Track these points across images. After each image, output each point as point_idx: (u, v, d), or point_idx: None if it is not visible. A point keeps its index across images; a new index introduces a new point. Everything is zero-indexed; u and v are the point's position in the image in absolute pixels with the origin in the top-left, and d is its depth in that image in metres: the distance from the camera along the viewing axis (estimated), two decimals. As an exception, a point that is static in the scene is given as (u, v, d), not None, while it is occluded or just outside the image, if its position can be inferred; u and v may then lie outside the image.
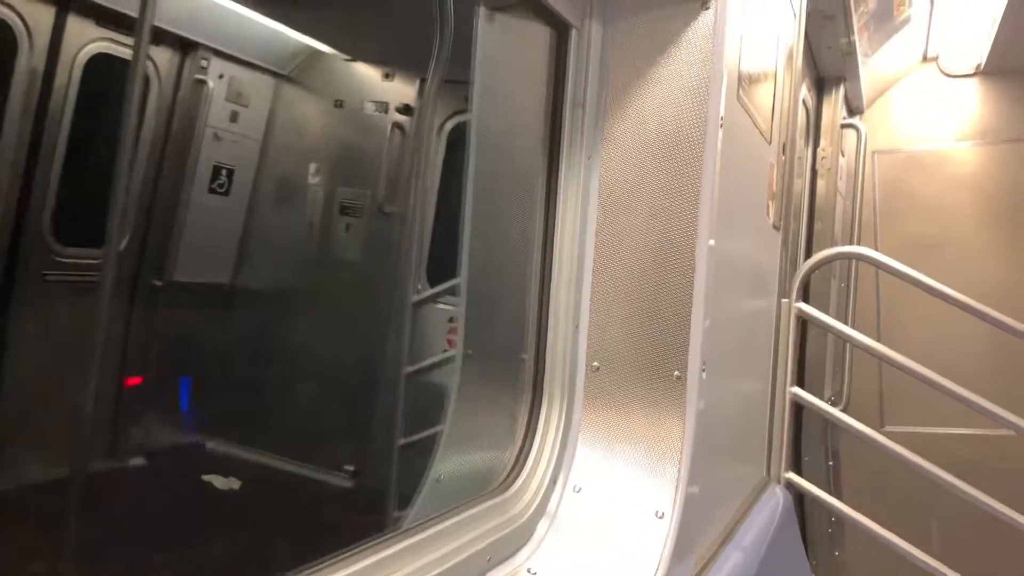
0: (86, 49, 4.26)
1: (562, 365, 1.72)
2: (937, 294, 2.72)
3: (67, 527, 2.59)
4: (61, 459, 3.58)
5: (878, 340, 4.42)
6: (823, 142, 4.62)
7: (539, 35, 1.72)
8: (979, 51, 5.00)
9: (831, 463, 4.76)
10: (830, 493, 3.01)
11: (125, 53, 4.28)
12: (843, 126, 4.78)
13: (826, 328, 3.00)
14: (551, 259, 1.71)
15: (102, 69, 4.31)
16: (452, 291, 4.13)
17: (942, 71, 5.27)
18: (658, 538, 1.55)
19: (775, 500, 2.59)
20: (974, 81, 5.21)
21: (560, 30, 1.68)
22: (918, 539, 2.81)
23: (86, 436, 3.18)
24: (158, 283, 4.79)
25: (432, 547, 1.35)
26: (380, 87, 5.37)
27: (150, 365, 4.69)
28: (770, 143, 2.41)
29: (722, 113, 1.70)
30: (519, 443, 1.69)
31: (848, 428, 2.75)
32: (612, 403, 1.70)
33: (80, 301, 4.18)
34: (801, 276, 2.79)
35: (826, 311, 4.39)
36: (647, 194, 1.68)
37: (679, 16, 1.65)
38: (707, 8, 1.64)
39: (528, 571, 1.51)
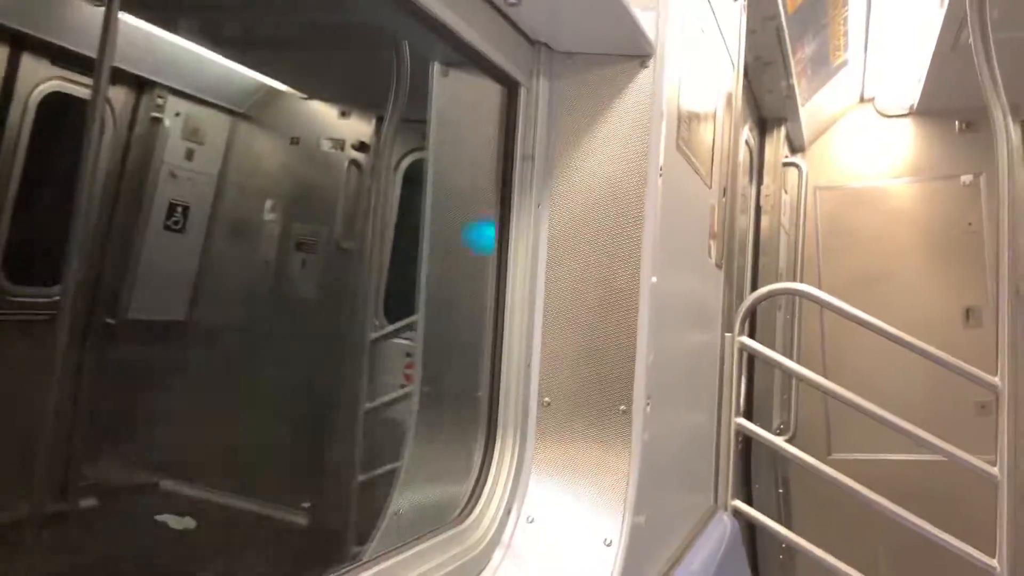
0: (40, 88, 4.28)
1: (515, 401, 1.80)
2: (870, 327, 2.88)
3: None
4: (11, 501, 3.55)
5: (823, 370, 4.61)
6: (766, 180, 4.82)
7: (491, 90, 1.83)
8: (911, 93, 5.27)
9: (781, 491, 4.89)
10: (780, 520, 3.13)
11: (81, 92, 4.31)
12: (785, 164, 4.98)
13: (767, 361, 3.14)
14: (504, 300, 1.81)
15: (57, 107, 4.33)
16: (410, 327, 4.19)
17: (878, 111, 5.53)
18: (606, 565, 1.63)
19: (722, 527, 2.69)
20: (908, 121, 5.47)
21: (510, 87, 1.80)
22: (866, 563, 2.93)
23: (39, 477, 3.16)
24: (111, 321, 4.77)
25: (392, 577, 1.42)
26: (336, 124, 5.45)
27: (104, 402, 4.65)
28: (710, 187, 2.54)
29: (661, 163, 1.82)
30: (474, 476, 1.77)
31: (791, 457, 2.88)
32: (563, 437, 1.79)
33: (33, 340, 4.16)
34: (743, 311, 2.93)
35: (772, 343, 4.56)
36: (593, 239, 1.79)
37: (620, 74, 1.78)
38: (646, 67, 1.77)
39: None
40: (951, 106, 5.18)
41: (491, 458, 1.78)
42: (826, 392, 2.88)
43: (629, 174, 1.77)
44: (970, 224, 5.19)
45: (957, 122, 5.28)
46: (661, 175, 1.79)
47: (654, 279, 1.78)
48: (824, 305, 2.93)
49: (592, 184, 1.79)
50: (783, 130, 4.91)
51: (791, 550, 4.55)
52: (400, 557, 1.47)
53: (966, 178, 5.25)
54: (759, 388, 4.59)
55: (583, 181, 1.80)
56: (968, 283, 5.13)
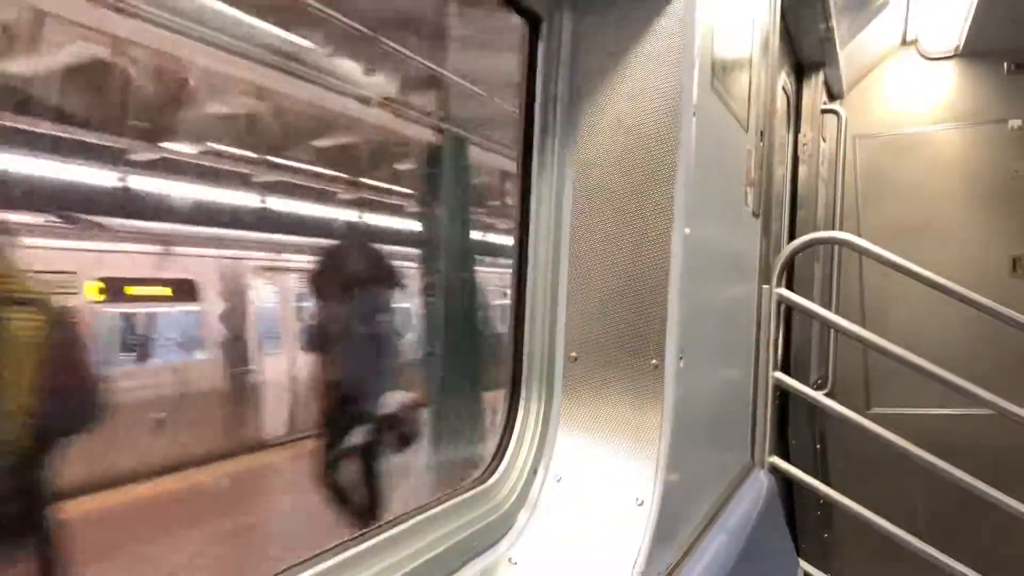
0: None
1: (541, 356, 1.73)
2: (914, 276, 2.76)
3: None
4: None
5: (863, 323, 4.47)
6: (804, 128, 4.64)
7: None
8: (956, 33, 5.03)
9: (818, 446, 4.80)
10: (818, 477, 3.04)
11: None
12: (823, 111, 4.80)
13: (807, 313, 3.03)
14: (527, 251, 1.72)
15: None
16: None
17: (921, 54, 5.29)
18: (639, 525, 1.56)
19: (759, 484, 2.62)
20: (952, 63, 5.23)
21: (531, 21, 1.69)
22: (904, 519, 2.85)
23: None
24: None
25: (414, 537, 1.36)
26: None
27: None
28: (747, 130, 2.42)
29: (695, 102, 1.71)
30: (499, 434, 1.71)
31: (831, 411, 2.79)
32: (591, 393, 1.71)
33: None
34: (781, 262, 2.82)
35: (810, 296, 4.42)
36: (622, 185, 1.69)
37: (650, 6, 1.66)
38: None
39: (510, 560, 1.53)
40: (999, 47, 4.94)
41: (516, 415, 1.71)
42: (869, 345, 2.77)
43: (660, 115, 1.66)
44: (1017, 171, 4.98)
45: (1005, 63, 5.03)
46: (695, 116, 1.68)
47: (687, 230, 1.68)
48: (867, 254, 2.81)
49: (620, 127, 1.69)
50: (821, 75, 4.72)
51: (829, 507, 4.49)
52: (423, 516, 1.41)
53: (1014, 123, 5.02)
54: (796, 342, 4.47)
55: (610, 124, 1.70)
56: (1015, 232, 4.94)
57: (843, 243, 3.06)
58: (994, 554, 3.01)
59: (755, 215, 2.67)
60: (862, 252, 2.84)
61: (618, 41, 1.70)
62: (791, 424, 4.55)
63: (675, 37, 1.68)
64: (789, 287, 2.91)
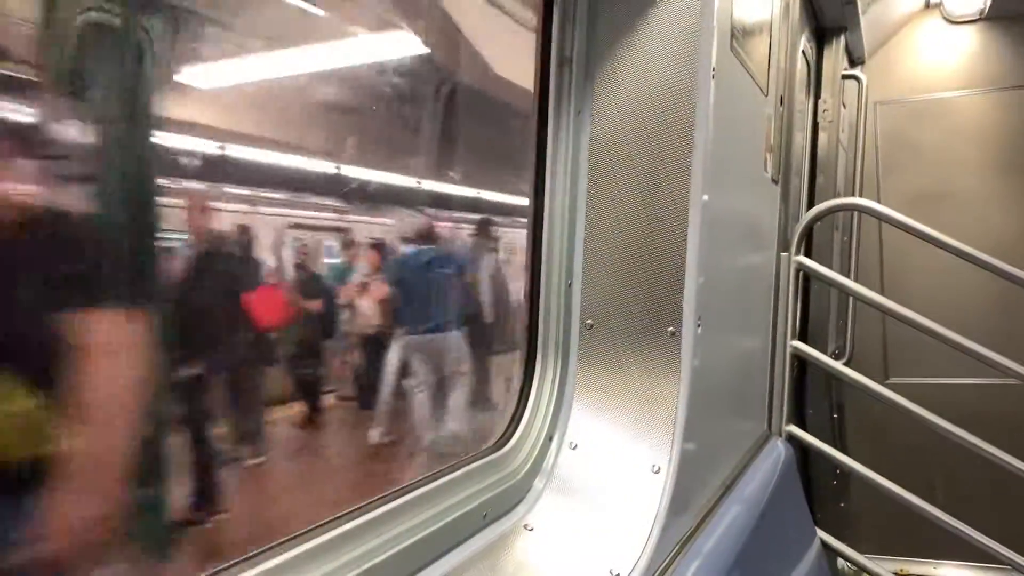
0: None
1: (556, 323, 1.71)
2: (938, 243, 2.71)
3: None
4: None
5: (882, 292, 4.42)
6: (824, 94, 4.55)
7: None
8: (982, -5, 4.92)
9: (835, 416, 4.77)
10: (834, 447, 3.03)
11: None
12: (844, 77, 4.70)
13: (826, 281, 2.99)
14: (542, 216, 1.70)
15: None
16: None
17: (945, 17, 5.18)
18: (654, 493, 1.55)
19: (776, 453, 2.60)
20: (977, 27, 5.11)
21: (546, -20, 1.65)
22: (922, 490, 2.82)
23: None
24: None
25: (429, 504, 1.35)
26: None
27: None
28: (767, 95, 2.37)
29: (714, 64, 1.67)
30: (515, 401, 1.69)
31: (850, 380, 2.76)
32: (606, 360, 1.70)
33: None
34: (801, 229, 2.77)
35: (829, 264, 4.37)
36: (639, 149, 1.66)
37: (667, -35, 1.62)
38: (696, -44, 1.60)
39: (525, 527, 1.52)
40: (1026, 9, 4.84)
41: (531, 383, 1.70)
42: (890, 314, 2.72)
43: (678, 77, 1.62)
44: (1042, 138, 4.89)
45: (1033, 26, 4.92)
46: (714, 77, 1.64)
47: (706, 197, 1.65)
48: (890, 221, 2.75)
49: (637, 89, 1.65)
50: (842, 40, 4.61)
51: (845, 477, 4.47)
52: (438, 483, 1.41)
53: (1041, 87, 4.92)
54: (814, 311, 4.43)
55: (627, 85, 1.66)
56: (1040, 200, 4.86)
57: (865, 210, 3.01)
58: (1014, 526, 2.98)
59: (774, 181, 2.63)
60: (884, 219, 2.79)
61: (635, 1, 1.65)
62: (807, 394, 4.53)
63: (694, -2, 1.63)
64: (807, 255, 2.87)
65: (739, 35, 1.94)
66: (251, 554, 1.09)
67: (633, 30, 1.66)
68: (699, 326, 1.67)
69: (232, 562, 1.07)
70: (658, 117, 1.65)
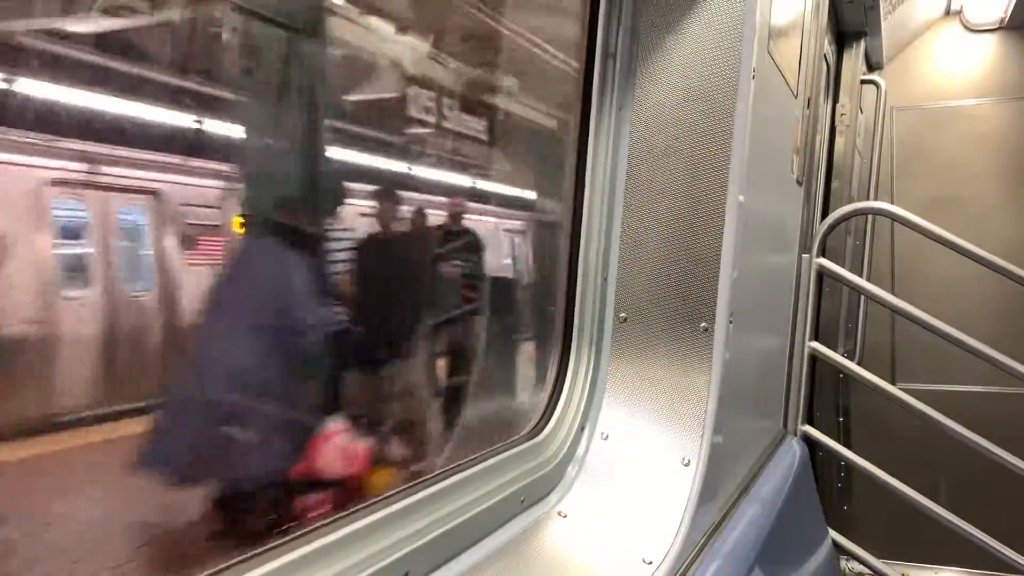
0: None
1: (591, 316, 1.73)
2: (959, 249, 2.73)
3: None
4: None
5: (894, 296, 4.44)
6: (843, 98, 4.57)
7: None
8: (1003, 4, 4.92)
9: (842, 419, 4.80)
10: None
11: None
12: (863, 82, 4.72)
13: (846, 284, 3.01)
14: (581, 209, 1.72)
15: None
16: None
17: (965, 25, 5.19)
18: (684, 485, 1.58)
19: (792, 452, 2.63)
20: (996, 36, 5.13)
21: (593, -22, 1.67)
22: (928, 495, 2.85)
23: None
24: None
25: (468, 489, 1.38)
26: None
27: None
28: (796, 97, 2.40)
29: (754, 65, 1.69)
30: (548, 391, 1.72)
31: (865, 382, 2.78)
32: (639, 354, 1.72)
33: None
34: (823, 231, 2.80)
35: (841, 267, 4.39)
36: (677, 146, 1.68)
37: (713, -35, 1.64)
38: (741, -42, 1.62)
39: (559, 514, 1.55)
40: (1046, 19, 4.85)
41: (565, 373, 1.72)
42: (911, 318, 2.75)
43: (718, 77, 1.64)
44: (1058, 148, 4.90)
45: (1051, 37, 4.94)
46: (754, 78, 1.67)
47: (742, 198, 1.67)
48: (912, 226, 2.78)
49: (677, 86, 1.68)
50: (862, 45, 4.63)
51: (849, 479, 4.51)
52: (476, 469, 1.43)
53: (1057, 98, 4.93)
54: (825, 313, 4.45)
55: (668, 83, 1.68)
56: (1054, 210, 4.87)
57: (887, 214, 3.03)
58: (1019, 530, 3.01)
59: (799, 183, 2.65)
60: (907, 224, 2.81)
61: (678, 0, 1.67)
62: (816, 395, 4.56)
63: (736, 1, 1.65)
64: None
65: (775, 37, 1.96)
66: (303, 531, 1.12)
67: (675, 28, 1.68)
68: (731, 323, 1.69)
69: (284, 540, 1.09)
70: (697, 115, 1.67)
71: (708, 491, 1.63)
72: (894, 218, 2.95)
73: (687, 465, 1.60)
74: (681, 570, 1.49)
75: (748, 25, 1.65)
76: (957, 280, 4.61)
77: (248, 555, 1.05)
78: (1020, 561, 2.74)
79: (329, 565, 1.07)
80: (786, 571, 2.16)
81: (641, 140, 1.71)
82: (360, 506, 1.22)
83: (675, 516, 1.53)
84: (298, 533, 1.12)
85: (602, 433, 1.69)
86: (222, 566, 1.02)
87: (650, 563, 1.44)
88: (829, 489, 4.43)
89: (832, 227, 2.83)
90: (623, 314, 1.73)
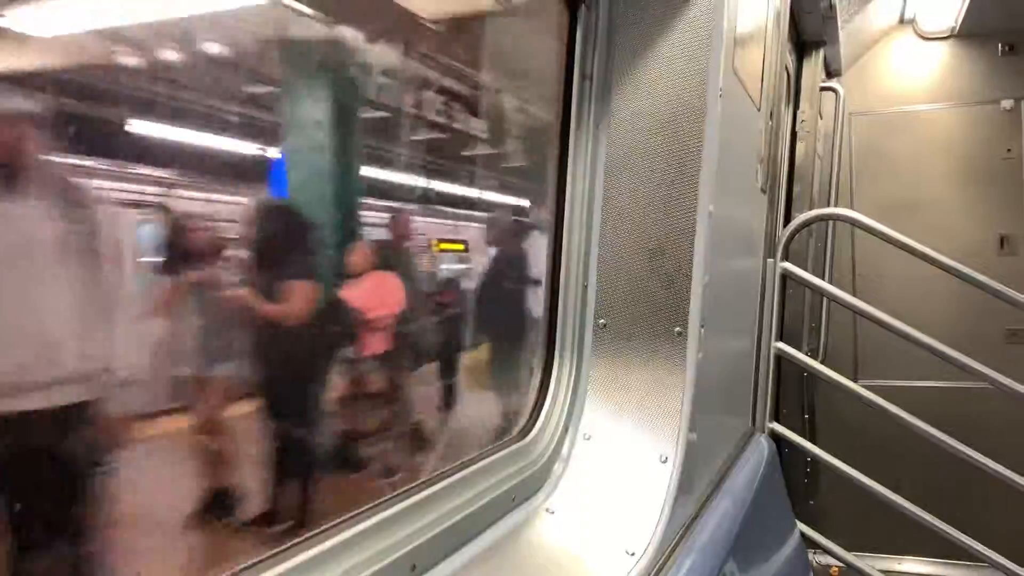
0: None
1: (572, 322, 1.83)
2: (915, 253, 2.87)
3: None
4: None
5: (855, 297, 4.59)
6: (803, 105, 4.72)
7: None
8: (954, 13, 5.12)
9: (807, 416, 4.95)
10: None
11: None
12: (822, 89, 4.88)
13: (810, 286, 3.14)
14: (562, 222, 1.82)
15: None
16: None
17: (918, 33, 5.38)
18: (663, 481, 1.68)
19: (761, 449, 2.75)
20: (948, 43, 5.32)
21: (570, 6, 1.77)
22: (889, 487, 2.99)
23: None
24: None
25: (464, 488, 1.47)
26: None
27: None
28: (759, 109, 2.52)
29: (720, 85, 1.80)
30: (534, 394, 1.81)
31: (829, 380, 2.91)
32: (618, 357, 1.82)
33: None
34: (787, 236, 2.92)
35: (804, 270, 4.54)
36: (651, 161, 1.78)
37: (682, -8, 1.74)
38: (709, -17, 1.73)
39: (547, 510, 1.64)
40: (994, 27, 5.05)
41: (550, 377, 1.82)
42: (874, 320, 2.88)
43: (688, 95, 1.75)
44: (1009, 151, 5.11)
45: (1000, 44, 5.14)
46: (721, 97, 1.77)
47: (711, 208, 1.78)
48: (870, 231, 2.92)
49: (651, 105, 1.78)
50: (821, 53, 4.79)
51: (815, 475, 4.65)
52: (467, 471, 1.52)
53: (1007, 103, 5.13)
54: (788, 314, 4.60)
55: (642, 102, 1.79)
56: (1004, 211, 5.07)
57: (848, 220, 3.17)
58: (975, 520, 3.16)
59: (763, 191, 2.77)
60: (865, 229, 2.95)
61: (650, 23, 1.78)
62: (783, 394, 4.70)
63: (703, 19, 1.76)
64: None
65: (739, 53, 2.07)
66: (293, 543, 1.19)
67: (647, 50, 1.79)
68: (703, 327, 1.80)
69: (276, 551, 1.16)
70: (670, 134, 1.77)
71: (685, 486, 1.73)
72: (854, 223, 3.09)
73: (665, 462, 1.70)
74: (662, 560, 1.58)
75: (715, 47, 1.76)
76: (915, 281, 4.79)
77: (261, 557, 1.12)
78: (977, 548, 2.88)
79: (339, 563, 1.14)
80: (758, 562, 2.28)
81: (617, 155, 1.81)
82: (367, 507, 1.30)
83: (655, 510, 1.63)
84: (308, 535, 1.19)
85: (585, 434, 1.78)
86: (237, 568, 1.09)
87: (632, 554, 1.54)
88: (796, 484, 4.57)
89: (795, 232, 2.96)
90: (602, 320, 1.83)
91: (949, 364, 2.92)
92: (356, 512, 1.27)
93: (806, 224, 3.01)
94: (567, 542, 1.56)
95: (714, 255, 1.88)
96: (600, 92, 1.81)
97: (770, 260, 2.91)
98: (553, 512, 1.64)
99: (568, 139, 1.80)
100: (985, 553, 2.86)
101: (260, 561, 1.11)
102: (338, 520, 1.24)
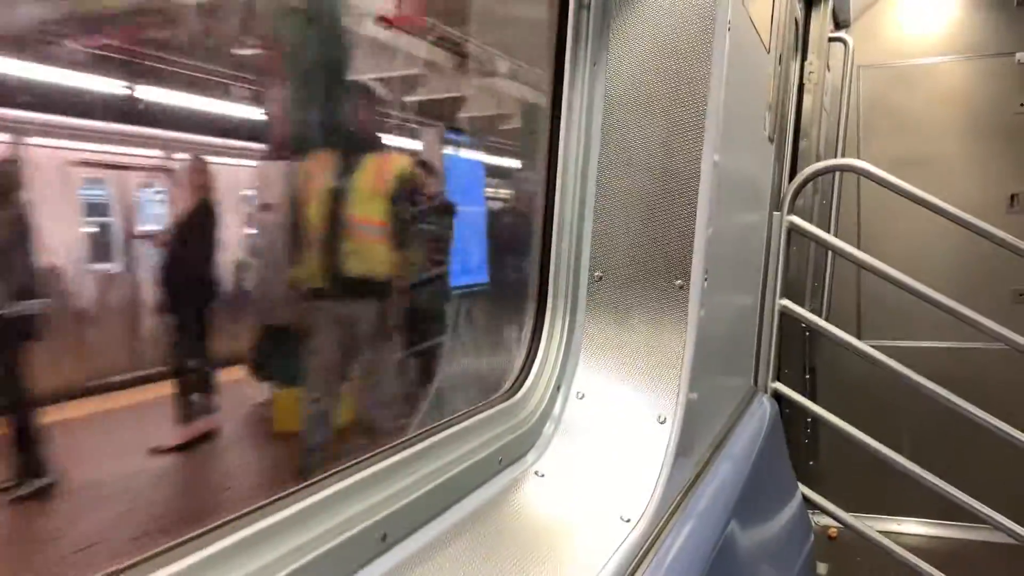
0: None
1: (566, 275, 1.72)
2: (930, 206, 2.75)
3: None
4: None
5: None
6: (811, 56, 4.56)
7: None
8: (968, -38, 4.93)
9: (808, 376, 4.87)
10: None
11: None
12: (831, 39, 4.71)
13: (818, 241, 3.03)
14: (556, 167, 1.69)
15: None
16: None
17: (930, -18, 5.20)
18: (660, 442, 1.58)
19: (763, 409, 2.65)
20: (962, -7, 5.14)
21: (566, -74, 1.63)
22: (892, 448, 2.91)
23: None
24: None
25: (446, 450, 1.36)
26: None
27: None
28: (768, 52, 2.38)
29: (729, 18, 1.66)
30: (524, 351, 1.71)
31: (836, 339, 2.81)
32: (614, 312, 1.71)
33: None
34: (795, 187, 2.80)
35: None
36: (653, 103, 1.65)
37: (689, -87, 1.60)
38: (717, -94, 1.59)
39: (536, 473, 1.54)
40: (1012, -23, 4.87)
41: (540, 332, 1.71)
42: (880, 275, 2.78)
43: (694, 28, 1.61)
44: (1022, 105, 4.95)
45: (1016, -6, 4.96)
46: (729, 31, 1.64)
47: (717, 157, 1.65)
48: (882, 183, 2.79)
49: (652, 40, 1.64)
50: (830, 3, 4.61)
51: (816, 436, 4.59)
52: (452, 430, 1.42)
53: (1021, 56, 4.96)
54: (791, 271, 4.49)
55: (643, 36, 1.65)
56: (1016, 168, 4.93)
57: (860, 171, 3.04)
58: (981, 484, 3.08)
59: (771, 140, 2.64)
60: (878, 181, 2.82)
61: None
62: (783, 353, 4.61)
63: (712, -53, 1.62)
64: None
65: None
66: (271, 499, 1.09)
67: (651, -21, 1.65)
68: (706, 280, 1.68)
69: (250, 508, 1.07)
70: (673, 71, 1.64)
71: (684, 448, 1.63)
72: (866, 175, 2.96)
73: (663, 423, 1.60)
74: (659, 527, 1.49)
75: None
76: (922, 240, 4.67)
77: (222, 521, 1.02)
78: (981, 509, 2.81)
79: (305, 530, 1.04)
80: (760, 526, 2.19)
81: (616, 95, 1.68)
82: (334, 470, 1.20)
83: (652, 474, 1.53)
84: (272, 498, 1.09)
85: (578, 392, 1.68)
86: (195, 533, 0.99)
87: (628, 520, 1.44)
88: (796, 445, 4.51)
89: (802, 185, 2.84)
90: (598, 272, 1.72)
91: (953, 325, 2.82)
92: (321, 477, 1.17)
93: (817, 175, 2.89)
94: (558, 507, 1.47)
95: (718, 205, 1.76)
96: (598, 25, 1.67)
97: (776, 213, 2.79)
98: (543, 475, 1.54)
99: (562, 77, 1.67)
100: (987, 513, 2.79)
101: (218, 526, 1.02)
102: (304, 484, 1.14)
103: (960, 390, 2.88)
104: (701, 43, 1.62)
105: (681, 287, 1.65)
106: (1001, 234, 2.76)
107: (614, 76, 1.68)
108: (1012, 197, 4.93)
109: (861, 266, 2.87)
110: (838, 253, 3.29)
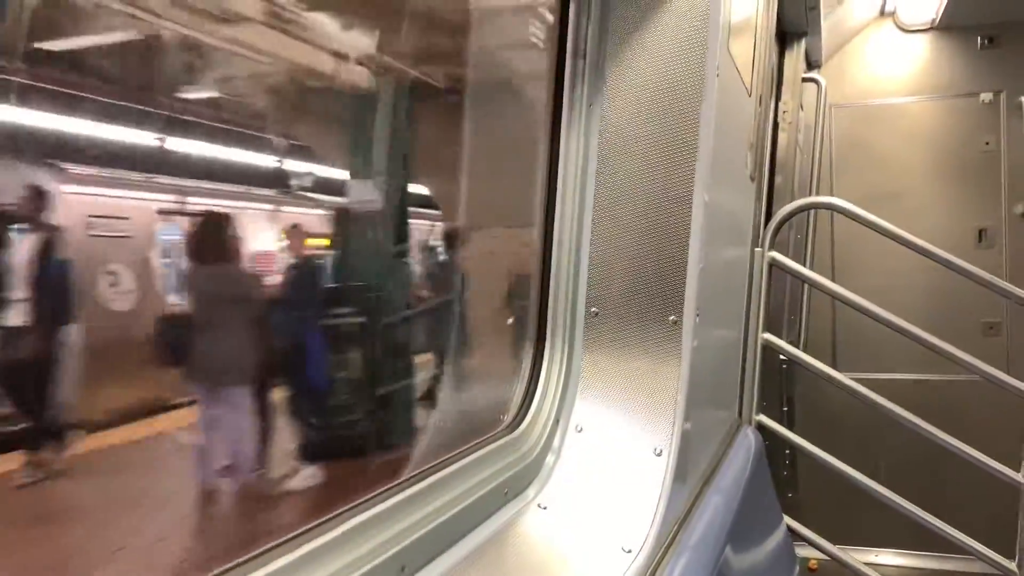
0: None
1: (563, 311, 1.76)
2: (907, 244, 2.84)
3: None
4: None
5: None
6: (785, 96, 4.69)
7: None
8: (934, 6, 5.11)
9: (786, 409, 4.93)
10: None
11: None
12: (804, 80, 4.85)
13: (797, 276, 3.10)
14: (553, 207, 1.75)
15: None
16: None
17: (898, 25, 5.37)
18: (658, 473, 1.62)
19: (748, 441, 2.70)
20: (928, 36, 5.32)
21: (564, -21, 1.70)
22: (870, 477, 2.96)
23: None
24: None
25: (454, 484, 1.39)
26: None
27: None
28: (750, 95, 2.46)
29: (717, 63, 1.74)
30: (524, 386, 1.74)
31: (818, 372, 2.87)
32: (610, 347, 1.75)
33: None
34: (775, 225, 2.88)
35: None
36: (645, 144, 1.72)
37: (679, -33, 1.67)
38: (706, -40, 1.66)
39: (539, 505, 1.58)
40: (974, 21, 5.05)
41: (540, 368, 1.75)
42: (859, 309, 2.85)
43: (683, 75, 1.68)
44: (988, 144, 5.11)
45: (979, 37, 5.14)
46: (718, 76, 1.71)
47: (707, 196, 1.72)
48: (861, 221, 2.89)
49: (645, 84, 1.71)
50: (803, 44, 4.76)
51: (794, 467, 4.64)
52: (460, 464, 1.45)
53: (985, 96, 5.14)
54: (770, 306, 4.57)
55: (636, 81, 1.72)
56: (982, 204, 5.08)
57: (839, 209, 3.13)
58: (958, 513, 3.14)
59: (752, 179, 2.72)
60: (857, 219, 2.92)
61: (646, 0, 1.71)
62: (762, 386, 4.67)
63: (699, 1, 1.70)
64: (767, 251, 2.98)
65: (733, 36, 2.01)
66: (284, 539, 1.11)
67: (642, 27, 1.72)
68: (698, 316, 1.74)
69: (267, 547, 1.08)
70: (664, 112, 1.71)
71: (680, 478, 1.67)
72: (845, 213, 3.05)
73: (659, 455, 1.64)
74: (658, 557, 1.52)
75: (712, 24, 1.70)
76: (893, 275, 4.78)
77: (249, 556, 1.05)
78: (957, 537, 2.87)
79: (329, 563, 1.07)
80: (750, 556, 2.23)
81: (610, 137, 1.75)
82: (355, 503, 1.22)
83: (650, 505, 1.57)
84: (295, 533, 1.11)
85: (576, 426, 1.72)
86: (224, 568, 1.02)
87: (629, 551, 1.48)
88: (776, 476, 4.55)
89: (784, 220, 2.92)
90: (594, 309, 1.76)
91: (926, 357, 2.90)
92: (343, 510, 1.20)
93: (793, 214, 2.97)
94: (561, 539, 1.50)
95: (708, 242, 1.82)
96: (593, 71, 1.74)
97: (758, 249, 2.87)
98: (545, 508, 1.58)
99: (560, 119, 1.73)
100: (964, 541, 2.84)
101: (243, 563, 1.04)
102: (324, 519, 1.16)
103: (933, 422, 2.95)
104: (690, 87, 1.69)
105: (675, 322, 1.70)
106: (971, 268, 2.85)
107: (608, 119, 1.74)
108: (980, 232, 5.08)
109: (840, 300, 2.95)
110: (818, 288, 3.38)
